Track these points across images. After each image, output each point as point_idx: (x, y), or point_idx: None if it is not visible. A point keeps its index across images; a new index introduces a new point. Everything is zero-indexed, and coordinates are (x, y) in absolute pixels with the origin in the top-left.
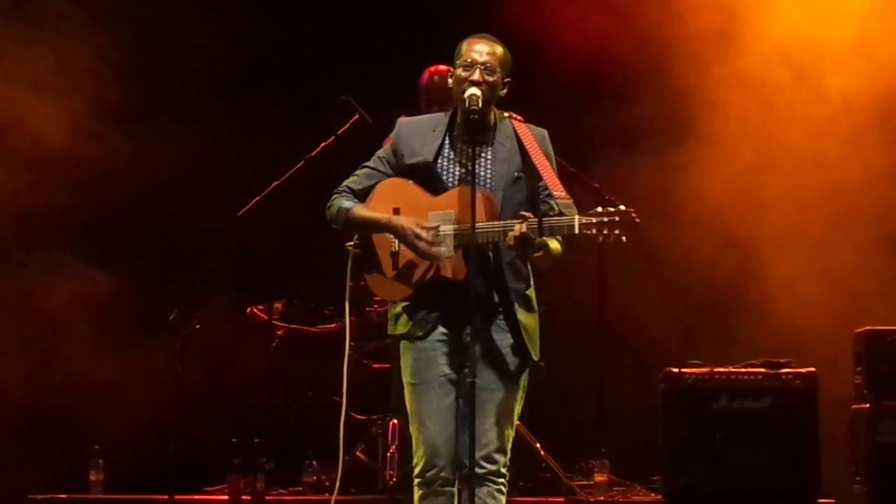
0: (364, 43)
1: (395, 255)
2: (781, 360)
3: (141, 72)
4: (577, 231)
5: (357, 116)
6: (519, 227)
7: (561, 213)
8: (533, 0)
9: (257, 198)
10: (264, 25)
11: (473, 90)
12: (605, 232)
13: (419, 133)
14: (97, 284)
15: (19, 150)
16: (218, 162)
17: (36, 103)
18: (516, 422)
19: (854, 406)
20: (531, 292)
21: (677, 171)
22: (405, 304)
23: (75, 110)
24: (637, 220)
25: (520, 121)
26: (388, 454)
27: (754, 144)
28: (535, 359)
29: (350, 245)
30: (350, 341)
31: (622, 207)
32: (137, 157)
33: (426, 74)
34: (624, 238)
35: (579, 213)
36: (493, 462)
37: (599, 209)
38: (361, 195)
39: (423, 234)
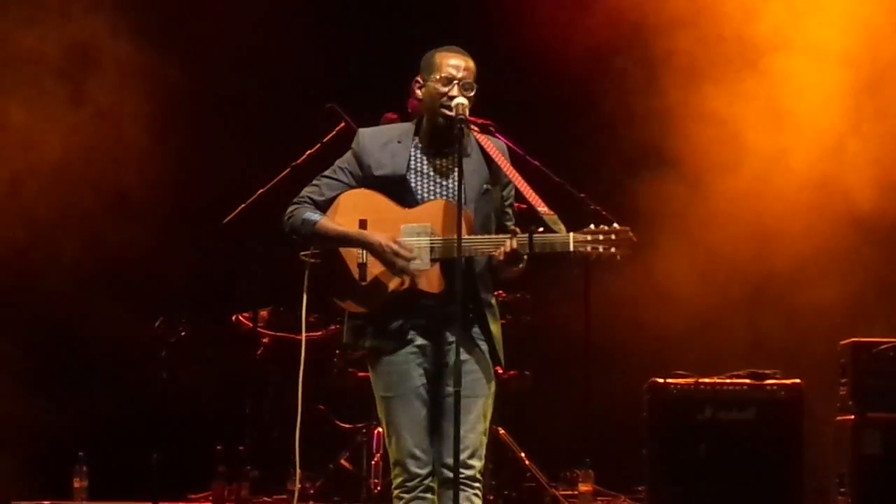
0: (351, 50)
1: (363, 267)
2: (766, 372)
3: (123, 78)
4: (571, 249)
5: (343, 124)
6: (510, 243)
7: (550, 230)
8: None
9: (243, 205)
10: (249, 31)
11: (461, 100)
12: (601, 249)
13: (384, 144)
14: (76, 290)
15: None
16: (202, 169)
17: None
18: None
19: (839, 417)
20: (495, 301)
21: (666, 185)
22: (370, 316)
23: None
24: (634, 238)
25: (477, 131)
26: (373, 462)
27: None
28: (502, 364)
29: (305, 255)
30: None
31: (617, 226)
32: (117, 162)
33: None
34: (619, 256)
35: (568, 227)
36: (469, 467)
37: (593, 226)
38: (323, 206)
39: (402, 251)
